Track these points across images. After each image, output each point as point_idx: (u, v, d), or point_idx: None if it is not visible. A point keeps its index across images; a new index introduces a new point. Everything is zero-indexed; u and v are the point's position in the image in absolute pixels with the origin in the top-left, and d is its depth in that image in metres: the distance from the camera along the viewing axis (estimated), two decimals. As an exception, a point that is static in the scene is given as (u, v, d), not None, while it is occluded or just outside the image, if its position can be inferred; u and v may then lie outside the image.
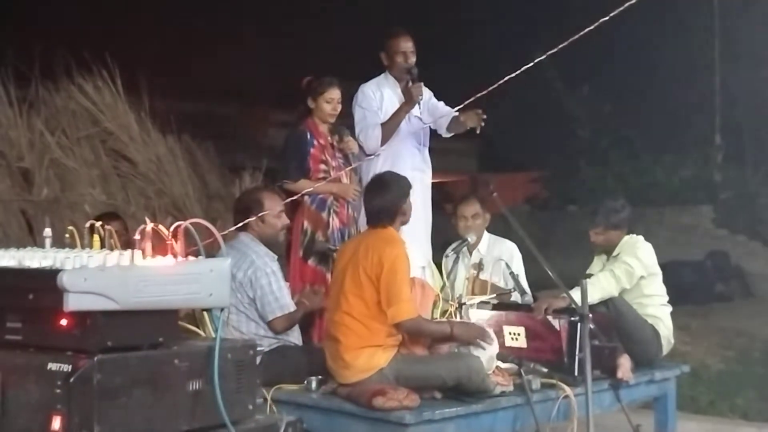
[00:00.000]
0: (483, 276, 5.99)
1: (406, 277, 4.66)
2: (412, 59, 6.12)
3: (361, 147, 6.09)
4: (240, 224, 5.23)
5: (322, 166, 5.89)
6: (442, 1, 17.95)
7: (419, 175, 6.01)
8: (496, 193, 5.79)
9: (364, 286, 4.62)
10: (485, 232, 6.25)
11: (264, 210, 5.26)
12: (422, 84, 6.07)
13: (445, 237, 6.53)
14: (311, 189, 5.76)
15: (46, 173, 8.77)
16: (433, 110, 6.26)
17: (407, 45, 6.13)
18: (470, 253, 6.19)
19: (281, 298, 5.16)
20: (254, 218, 5.24)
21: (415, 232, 5.73)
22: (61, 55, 9.18)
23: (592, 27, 4.05)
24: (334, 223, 5.88)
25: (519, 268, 6.10)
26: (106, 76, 9.29)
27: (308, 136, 5.90)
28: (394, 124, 6.04)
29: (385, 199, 4.82)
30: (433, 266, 6.08)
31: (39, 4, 14.36)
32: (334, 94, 5.96)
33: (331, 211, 5.88)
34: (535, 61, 4.30)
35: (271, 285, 5.15)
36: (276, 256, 5.37)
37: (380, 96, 6.15)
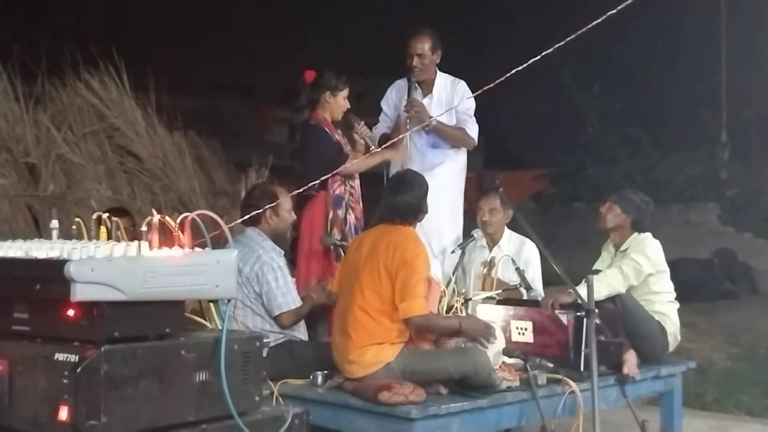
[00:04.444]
0: (495, 273, 5.98)
1: (424, 276, 4.67)
2: (416, 61, 6.12)
3: None
4: (253, 214, 5.21)
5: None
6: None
7: (431, 173, 6.03)
8: (503, 188, 5.82)
9: (383, 282, 4.62)
10: (506, 229, 6.24)
11: (279, 204, 5.28)
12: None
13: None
14: (369, 159, 5.91)
15: (52, 169, 8.79)
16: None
17: (415, 47, 6.15)
18: (490, 249, 6.18)
19: (288, 294, 5.16)
20: (269, 212, 5.25)
21: (436, 227, 5.94)
22: (68, 51, 9.20)
23: (599, 20, 4.05)
24: (351, 218, 5.91)
25: (536, 268, 6.07)
26: (112, 72, 9.30)
27: (327, 132, 5.93)
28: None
29: (412, 196, 4.85)
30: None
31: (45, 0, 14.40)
32: (348, 91, 6.01)
33: (348, 207, 5.91)
34: (542, 54, 4.28)
35: (278, 280, 5.15)
36: (282, 252, 5.37)
37: (392, 97, 6.25)
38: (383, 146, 5.99)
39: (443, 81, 6.27)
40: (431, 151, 6.21)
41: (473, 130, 6.24)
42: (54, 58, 9.25)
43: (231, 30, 16.75)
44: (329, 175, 5.68)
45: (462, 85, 6.25)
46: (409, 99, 6.10)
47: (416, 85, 6.22)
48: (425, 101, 6.22)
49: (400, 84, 6.31)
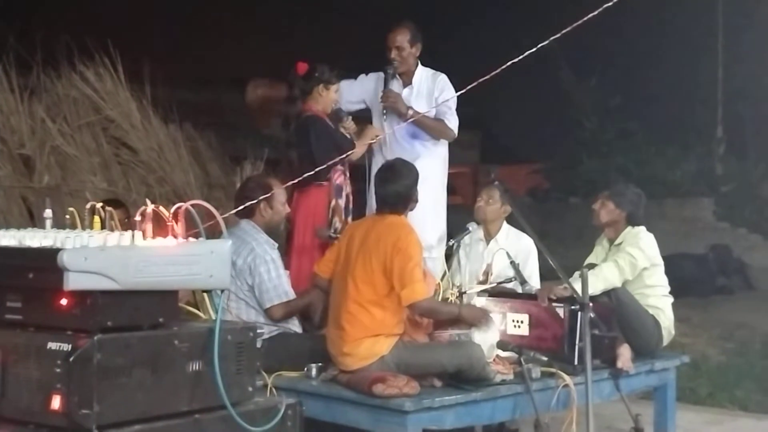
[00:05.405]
0: (493, 267, 5.99)
1: (419, 260, 4.70)
2: (394, 54, 6.15)
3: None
4: (247, 205, 5.20)
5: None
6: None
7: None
8: (498, 182, 5.83)
9: (376, 273, 4.62)
10: (505, 223, 6.24)
11: (273, 197, 5.28)
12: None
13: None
14: (362, 143, 5.99)
15: (47, 160, 8.76)
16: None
17: (393, 39, 6.18)
18: (487, 243, 6.18)
19: (279, 286, 5.15)
20: (263, 204, 5.25)
21: (420, 220, 5.86)
22: (63, 42, 9.16)
23: (595, 13, 4.04)
24: (351, 207, 5.97)
25: (534, 263, 6.07)
26: (107, 64, 9.26)
27: (329, 123, 5.98)
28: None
29: (401, 185, 4.85)
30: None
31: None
32: (339, 86, 6.04)
33: (347, 197, 5.97)
34: (538, 46, 4.27)
35: (270, 272, 5.14)
36: (276, 244, 5.37)
37: (368, 82, 6.27)
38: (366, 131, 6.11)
39: (424, 74, 6.28)
40: (409, 142, 6.21)
41: (452, 122, 6.24)
42: (49, 50, 9.21)
43: (227, 22, 16.71)
44: (339, 159, 5.70)
45: (442, 77, 6.25)
46: (385, 90, 6.12)
47: (397, 76, 6.24)
48: (405, 92, 6.24)
49: (381, 76, 6.32)
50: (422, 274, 4.72)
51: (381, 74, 6.27)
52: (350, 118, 6.16)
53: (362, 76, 6.36)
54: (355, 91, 6.32)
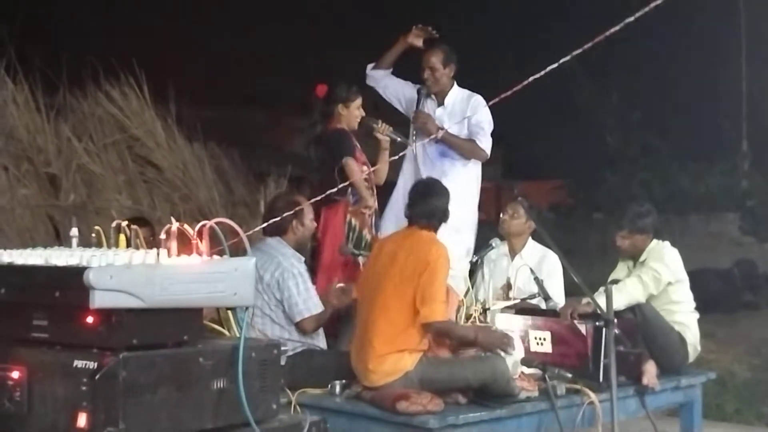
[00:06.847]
0: (517, 283, 5.98)
1: (444, 279, 4.71)
2: (427, 74, 6.22)
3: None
4: (277, 219, 5.25)
5: (364, 167, 6.02)
6: (471, 4, 18.02)
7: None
8: (521, 198, 5.84)
9: (405, 287, 4.64)
10: (530, 239, 6.25)
11: (303, 213, 5.32)
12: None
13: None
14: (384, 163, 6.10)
15: (73, 179, 8.85)
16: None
17: (428, 60, 6.25)
18: (512, 258, 6.19)
19: (308, 300, 5.18)
20: (294, 221, 5.29)
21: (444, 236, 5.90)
22: (89, 62, 9.26)
23: (616, 28, 4.04)
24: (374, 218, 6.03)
25: (558, 279, 6.05)
26: (132, 83, 9.36)
27: (353, 139, 5.99)
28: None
29: (441, 201, 4.92)
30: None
31: (67, 12, 14.50)
32: (360, 100, 6.08)
33: (375, 211, 6.02)
34: (560, 62, 4.28)
35: (299, 286, 5.17)
36: (303, 258, 5.40)
37: (406, 91, 6.34)
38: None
39: (458, 94, 6.32)
40: (440, 160, 6.25)
41: (485, 142, 6.26)
42: (75, 69, 9.32)
43: (251, 41, 16.81)
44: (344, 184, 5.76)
45: (476, 98, 6.28)
46: (416, 111, 6.18)
47: (432, 96, 6.29)
48: (438, 111, 6.29)
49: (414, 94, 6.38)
50: (445, 295, 4.71)
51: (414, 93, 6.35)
52: (380, 121, 6.20)
53: (408, 82, 6.44)
54: (406, 92, 6.41)
